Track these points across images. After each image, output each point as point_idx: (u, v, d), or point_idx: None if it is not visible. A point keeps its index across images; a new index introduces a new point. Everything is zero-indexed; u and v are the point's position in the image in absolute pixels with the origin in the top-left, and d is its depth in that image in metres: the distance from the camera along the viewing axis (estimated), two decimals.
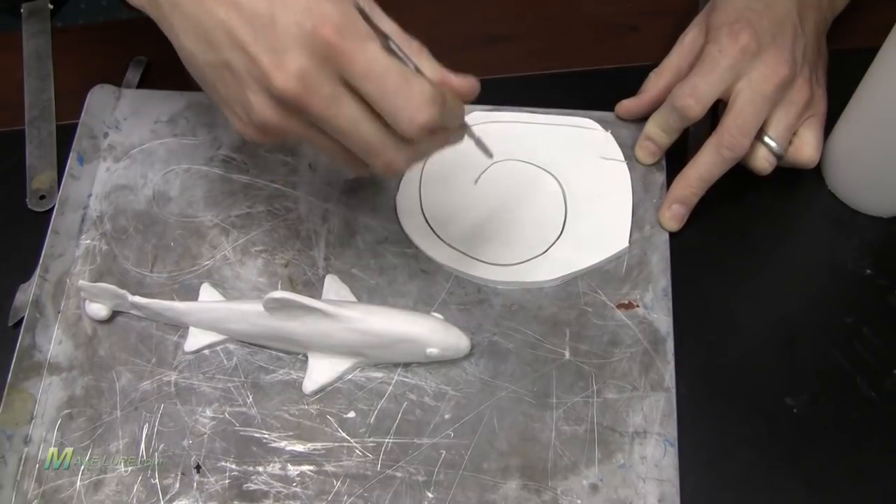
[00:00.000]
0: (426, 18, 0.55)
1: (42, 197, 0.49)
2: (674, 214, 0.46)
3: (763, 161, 0.45)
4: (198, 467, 0.41)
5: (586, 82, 0.52)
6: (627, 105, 0.49)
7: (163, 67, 0.54)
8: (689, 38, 0.47)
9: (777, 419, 0.42)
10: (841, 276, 0.46)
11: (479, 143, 0.43)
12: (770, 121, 0.45)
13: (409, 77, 0.33)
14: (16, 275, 0.46)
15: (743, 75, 0.44)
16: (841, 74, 0.47)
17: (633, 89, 0.49)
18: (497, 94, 0.51)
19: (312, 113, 0.34)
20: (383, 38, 0.34)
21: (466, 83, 0.37)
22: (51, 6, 0.56)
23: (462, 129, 0.39)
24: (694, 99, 0.44)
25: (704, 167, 0.45)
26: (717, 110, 0.46)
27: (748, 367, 0.44)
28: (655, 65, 0.49)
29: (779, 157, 0.45)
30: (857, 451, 0.42)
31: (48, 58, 0.54)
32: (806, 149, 0.46)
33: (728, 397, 0.43)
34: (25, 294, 0.46)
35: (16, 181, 0.50)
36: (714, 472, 0.41)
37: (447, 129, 0.37)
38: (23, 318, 0.44)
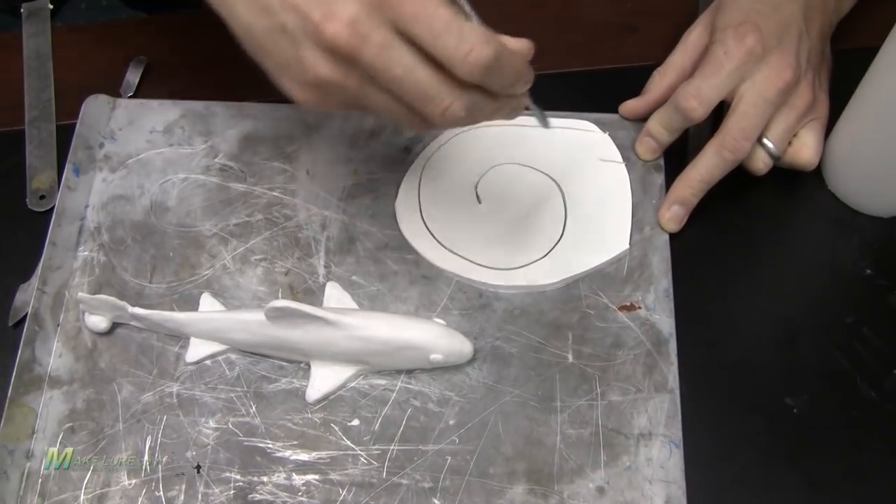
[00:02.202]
0: None
1: (42, 197, 0.49)
2: (673, 215, 0.46)
3: (759, 162, 0.46)
4: (197, 468, 0.41)
5: (585, 83, 0.52)
6: (631, 105, 0.49)
7: (163, 67, 0.53)
8: (694, 37, 0.47)
9: (777, 419, 0.42)
10: (841, 276, 0.46)
11: (537, 113, 0.42)
12: (770, 123, 0.45)
13: (460, 19, 0.33)
14: (16, 275, 0.46)
15: (747, 78, 0.44)
16: (841, 74, 0.47)
17: (632, 90, 0.49)
18: None
19: (365, 62, 0.34)
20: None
21: (521, 43, 0.37)
22: (51, 6, 0.56)
23: (517, 102, 0.39)
24: (697, 101, 0.44)
25: (705, 169, 0.45)
26: (720, 110, 0.46)
27: (748, 367, 0.44)
28: (655, 65, 0.49)
29: (775, 158, 0.46)
30: (858, 451, 0.42)
31: (48, 58, 0.54)
32: (805, 151, 0.46)
33: (728, 397, 0.43)
34: (25, 294, 0.45)
35: (16, 181, 0.49)
36: (714, 471, 0.41)
37: (503, 96, 0.37)
38: (23, 317, 0.44)
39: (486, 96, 0.36)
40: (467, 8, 0.36)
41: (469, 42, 0.33)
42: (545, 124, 0.43)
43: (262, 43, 0.37)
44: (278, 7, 0.35)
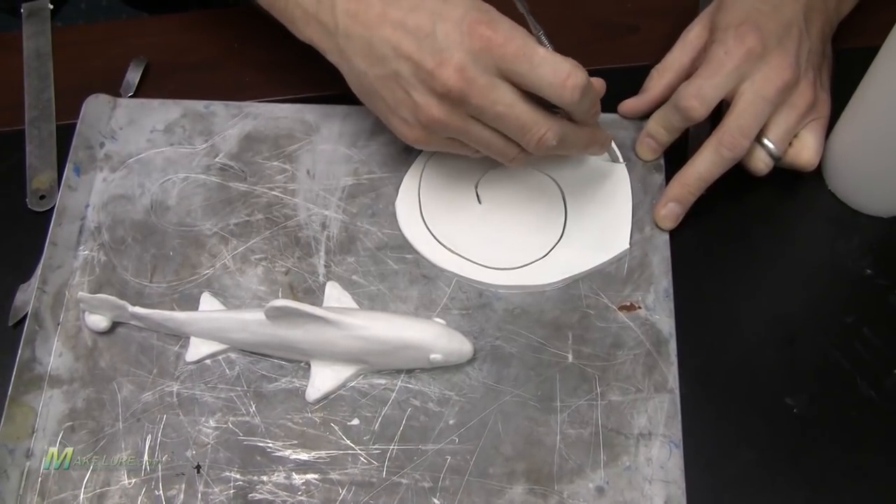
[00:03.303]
0: None
1: (42, 197, 0.49)
2: (669, 213, 0.46)
3: (760, 162, 0.45)
4: (197, 467, 0.41)
5: None
6: (630, 104, 0.49)
7: (163, 67, 0.53)
8: (693, 35, 0.47)
9: (777, 419, 0.43)
10: (841, 276, 0.46)
11: (611, 150, 0.48)
12: (770, 123, 0.45)
13: (554, 53, 0.39)
14: (16, 275, 0.46)
15: (747, 77, 0.44)
16: (841, 74, 0.47)
17: (632, 90, 0.49)
18: None
19: (472, 103, 0.39)
20: (537, 31, 0.42)
21: (597, 80, 0.42)
22: (51, 6, 0.56)
23: (603, 138, 0.45)
24: (698, 101, 0.44)
25: (703, 167, 0.45)
26: (719, 109, 0.46)
27: (748, 367, 0.44)
28: (655, 65, 0.49)
29: (776, 159, 0.46)
30: (858, 451, 0.42)
31: (48, 58, 0.54)
32: (805, 152, 0.46)
33: (728, 397, 0.43)
34: (25, 294, 0.45)
35: (16, 181, 0.49)
36: (714, 471, 0.41)
37: (586, 126, 0.43)
38: (23, 317, 0.44)
39: (572, 126, 0.42)
40: (545, 41, 0.41)
41: (564, 70, 0.38)
42: (615, 158, 0.48)
43: (376, 88, 0.41)
44: (392, 56, 0.39)
